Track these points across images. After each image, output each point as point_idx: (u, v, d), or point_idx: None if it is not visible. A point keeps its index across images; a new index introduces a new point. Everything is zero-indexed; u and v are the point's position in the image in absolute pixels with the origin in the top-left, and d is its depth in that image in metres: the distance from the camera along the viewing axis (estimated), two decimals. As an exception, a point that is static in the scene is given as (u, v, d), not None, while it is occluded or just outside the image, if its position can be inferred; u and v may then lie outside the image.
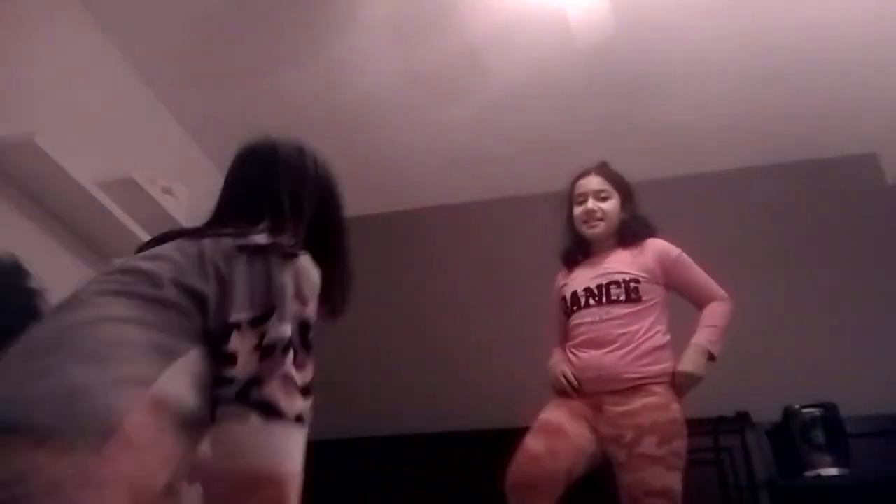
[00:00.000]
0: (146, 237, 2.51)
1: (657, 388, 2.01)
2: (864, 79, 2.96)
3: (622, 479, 1.96)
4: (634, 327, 2.06)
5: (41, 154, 2.10)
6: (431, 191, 3.64)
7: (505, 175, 3.56)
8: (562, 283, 2.29)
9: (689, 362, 2.04)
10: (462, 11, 2.65)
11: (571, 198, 2.29)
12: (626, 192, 2.28)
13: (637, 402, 1.98)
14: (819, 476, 2.50)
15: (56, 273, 2.37)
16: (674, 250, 2.21)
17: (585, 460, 2.00)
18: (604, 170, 2.31)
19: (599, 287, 2.13)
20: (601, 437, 2.01)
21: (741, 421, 2.69)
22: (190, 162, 3.28)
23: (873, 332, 2.94)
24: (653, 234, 2.24)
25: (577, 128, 3.22)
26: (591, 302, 2.13)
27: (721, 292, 2.20)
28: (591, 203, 2.23)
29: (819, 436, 2.56)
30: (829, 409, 2.60)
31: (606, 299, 2.10)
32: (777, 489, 2.54)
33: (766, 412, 2.69)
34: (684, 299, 2.21)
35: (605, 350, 2.05)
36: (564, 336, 2.24)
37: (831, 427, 2.58)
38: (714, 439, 2.70)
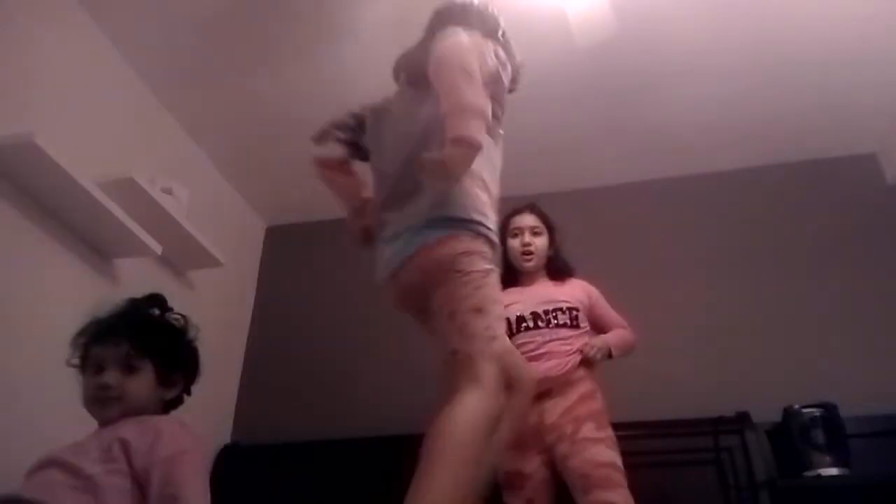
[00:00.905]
0: (146, 237, 2.53)
1: (586, 379, 2.32)
2: (864, 79, 2.96)
3: (569, 465, 2.15)
4: (575, 345, 2.37)
5: (41, 154, 2.09)
6: (431, 191, 3.64)
7: (504, 175, 3.55)
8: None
9: (588, 346, 2.39)
10: (462, 11, 2.65)
11: (506, 231, 2.52)
12: (553, 230, 2.59)
13: (574, 395, 2.27)
14: (819, 476, 2.50)
15: (56, 273, 2.37)
16: (594, 288, 2.57)
17: (552, 484, 2.23)
18: (537, 209, 2.61)
19: (546, 312, 2.41)
20: (546, 447, 2.23)
21: (741, 421, 2.69)
22: (190, 162, 3.28)
23: (873, 332, 2.94)
24: (573, 274, 2.58)
25: (577, 128, 3.23)
26: (540, 324, 2.39)
27: (625, 325, 2.52)
28: (528, 237, 2.53)
29: (819, 436, 2.56)
30: (829, 409, 2.60)
31: (554, 323, 2.39)
32: (777, 489, 2.54)
33: (766, 412, 2.69)
34: (596, 330, 2.48)
35: (548, 363, 2.31)
36: None
37: (831, 427, 2.57)
38: (714, 439, 2.71)
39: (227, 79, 2.97)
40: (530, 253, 2.52)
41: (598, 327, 2.49)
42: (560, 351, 2.33)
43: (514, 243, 2.53)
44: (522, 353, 2.28)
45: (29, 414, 2.11)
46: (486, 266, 1.62)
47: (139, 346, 1.59)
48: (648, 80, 2.99)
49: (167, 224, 2.67)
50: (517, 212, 2.60)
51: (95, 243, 2.51)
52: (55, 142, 2.14)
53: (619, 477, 2.09)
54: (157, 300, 1.73)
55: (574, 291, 2.51)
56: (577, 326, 2.42)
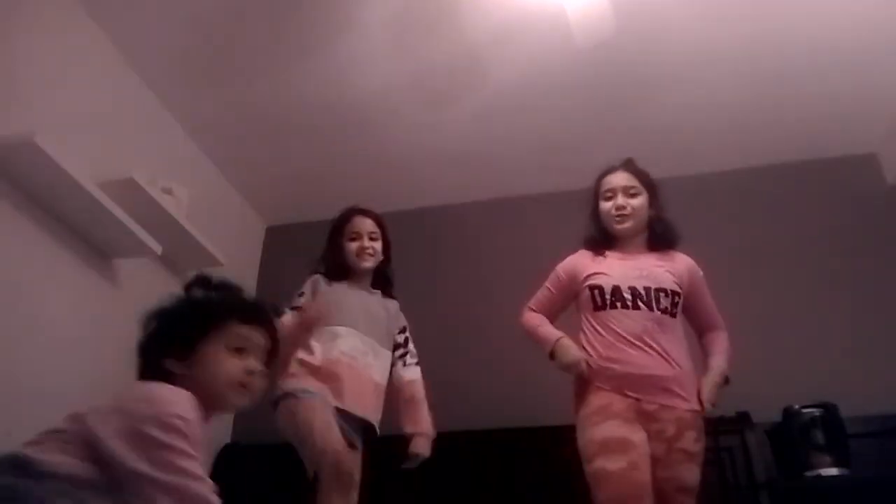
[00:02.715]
0: (146, 237, 2.53)
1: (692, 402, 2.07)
2: (864, 79, 2.96)
3: (657, 473, 1.96)
4: (672, 337, 2.10)
5: (41, 154, 2.10)
6: (431, 191, 3.64)
7: (505, 175, 3.56)
8: (592, 269, 2.22)
9: (711, 394, 2.08)
10: (462, 11, 2.65)
11: (598, 193, 2.29)
12: (653, 189, 2.29)
13: (673, 399, 2.03)
14: (819, 476, 2.50)
15: (56, 273, 2.37)
16: (699, 270, 2.27)
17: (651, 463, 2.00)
18: (631, 166, 2.31)
19: (647, 290, 2.12)
20: (649, 430, 2.00)
21: (741, 421, 2.69)
22: (190, 162, 3.28)
23: (873, 332, 2.94)
24: (678, 242, 2.28)
25: (577, 128, 3.23)
26: (640, 304, 2.10)
27: (721, 321, 2.27)
28: (621, 199, 2.24)
29: (819, 436, 2.56)
30: (829, 409, 2.60)
31: (657, 306, 2.10)
32: (777, 489, 2.54)
33: (766, 412, 2.69)
34: (686, 318, 2.23)
35: (648, 353, 2.06)
36: (551, 315, 2.29)
37: (831, 427, 2.57)
38: (714, 439, 2.70)
39: (227, 79, 2.97)
40: (625, 215, 2.22)
41: (692, 315, 2.24)
42: (654, 343, 2.05)
43: (606, 206, 2.26)
44: (611, 332, 2.09)
45: (29, 414, 2.11)
46: None
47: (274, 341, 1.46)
48: (648, 80, 2.99)
49: (167, 224, 2.67)
50: (610, 171, 2.32)
51: (95, 243, 2.51)
52: (55, 142, 2.14)
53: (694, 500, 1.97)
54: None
55: (675, 266, 2.20)
56: (676, 315, 2.14)
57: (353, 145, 3.35)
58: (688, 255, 2.31)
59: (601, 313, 2.14)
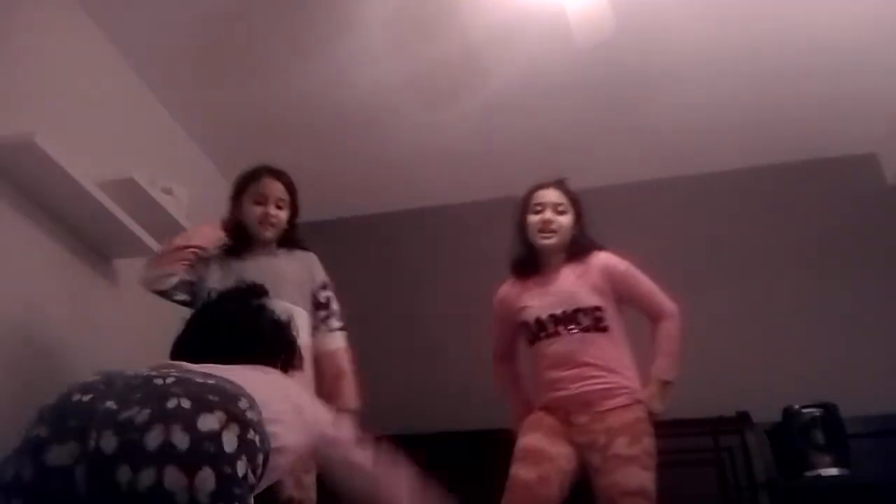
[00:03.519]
0: (146, 237, 2.52)
1: (623, 406, 2.09)
2: (864, 79, 2.96)
3: (598, 482, 2.02)
4: (603, 351, 2.14)
5: (41, 154, 2.09)
6: (431, 191, 3.64)
7: (505, 175, 3.55)
8: (517, 304, 2.30)
9: (658, 402, 2.11)
10: (462, 11, 2.65)
11: (527, 207, 2.33)
12: (579, 210, 2.33)
13: (605, 410, 2.07)
14: (819, 476, 2.50)
15: (56, 273, 2.37)
16: (621, 263, 2.27)
17: (570, 478, 2.07)
18: (563, 185, 2.36)
19: (565, 313, 2.18)
20: (577, 446, 2.08)
21: (741, 421, 2.70)
22: (190, 162, 3.28)
23: (873, 332, 2.95)
24: (593, 250, 2.30)
25: (577, 128, 3.23)
26: (561, 330, 2.17)
27: (669, 305, 2.24)
28: (549, 214, 2.28)
29: (819, 436, 2.56)
30: (829, 409, 2.60)
31: (578, 328, 2.15)
32: (777, 489, 2.54)
33: (766, 412, 2.69)
34: (635, 310, 2.27)
35: (578, 371, 2.12)
36: (511, 352, 2.38)
37: (831, 427, 2.58)
38: (714, 439, 2.71)
39: (227, 79, 2.97)
40: (551, 231, 2.26)
41: (636, 308, 2.26)
42: (583, 360, 2.11)
43: (535, 219, 2.29)
44: (544, 360, 2.17)
45: (29, 414, 2.11)
46: None
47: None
48: (649, 80, 2.99)
49: (167, 224, 2.67)
50: (542, 186, 2.36)
51: (95, 243, 2.51)
52: (55, 142, 2.14)
53: (647, 500, 1.95)
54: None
55: (588, 277, 2.23)
56: (605, 329, 2.16)
57: (352, 145, 3.34)
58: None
59: (534, 346, 2.23)
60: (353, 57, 2.87)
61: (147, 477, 0.98)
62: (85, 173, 2.26)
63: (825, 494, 2.52)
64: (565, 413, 2.11)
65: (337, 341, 2.19)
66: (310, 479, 1.98)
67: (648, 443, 2.03)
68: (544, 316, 2.19)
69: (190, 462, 1.01)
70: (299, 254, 2.25)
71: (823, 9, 2.63)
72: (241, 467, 1.06)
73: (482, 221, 3.64)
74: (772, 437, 2.71)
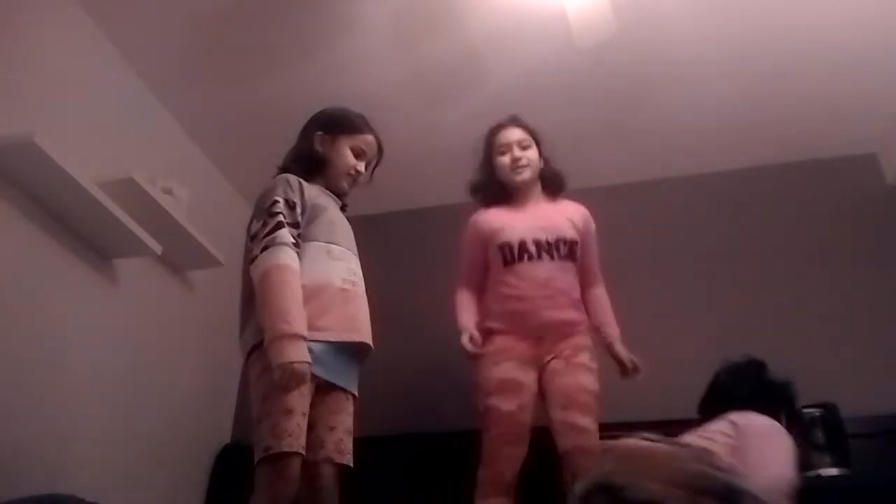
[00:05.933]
0: (146, 237, 2.53)
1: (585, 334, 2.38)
2: (864, 79, 2.96)
3: (557, 381, 2.23)
4: (571, 282, 2.38)
5: (41, 154, 2.10)
6: (431, 191, 3.64)
7: (505, 175, 3.55)
8: (497, 225, 2.42)
9: (631, 358, 2.39)
10: (462, 11, 2.65)
11: (492, 149, 2.48)
12: (539, 141, 2.52)
13: (571, 335, 2.33)
14: (819, 476, 2.50)
15: (56, 273, 2.37)
16: (592, 221, 2.52)
17: (538, 398, 2.30)
18: (520, 121, 2.52)
19: (548, 242, 2.35)
20: (541, 368, 2.30)
21: (741, 421, 2.69)
22: (190, 162, 3.28)
23: (873, 332, 2.94)
24: (566, 186, 2.53)
25: (577, 128, 3.22)
26: (544, 255, 2.34)
27: (600, 275, 2.53)
28: (517, 151, 2.45)
29: (819, 436, 2.56)
30: (829, 409, 2.60)
31: (557, 255, 2.35)
32: (777, 489, 2.53)
33: (766, 412, 2.69)
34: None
35: (554, 299, 2.32)
36: (479, 279, 2.48)
37: (831, 427, 2.57)
38: (714, 439, 2.70)
39: (227, 79, 2.97)
40: (522, 166, 2.45)
41: (581, 260, 2.46)
42: (558, 289, 2.33)
43: (504, 160, 2.48)
44: (518, 284, 2.31)
45: (29, 414, 2.11)
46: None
47: None
48: (649, 81, 2.99)
49: (167, 224, 2.67)
50: (501, 126, 2.53)
51: (95, 243, 2.51)
52: (55, 142, 2.14)
53: (597, 407, 2.22)
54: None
55: (569, 215, 2.46)
56: (575, 261, 2.41)
57: (352, 145, 3.34)
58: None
59: (510, 267, 2.35)
60: (354, 57, 2.87)
61: None
62: (85, 173, 2.27)
63: (825, 494, 2.51)
64: (537, 338, 2.29)
65: None
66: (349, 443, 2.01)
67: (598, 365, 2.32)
68: (529, 238, 2.35)
69: None
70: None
71: (823, 9, 2.64)
72: None
73: (482, 221, 3.64)
74: (772, 437, 2.71)
